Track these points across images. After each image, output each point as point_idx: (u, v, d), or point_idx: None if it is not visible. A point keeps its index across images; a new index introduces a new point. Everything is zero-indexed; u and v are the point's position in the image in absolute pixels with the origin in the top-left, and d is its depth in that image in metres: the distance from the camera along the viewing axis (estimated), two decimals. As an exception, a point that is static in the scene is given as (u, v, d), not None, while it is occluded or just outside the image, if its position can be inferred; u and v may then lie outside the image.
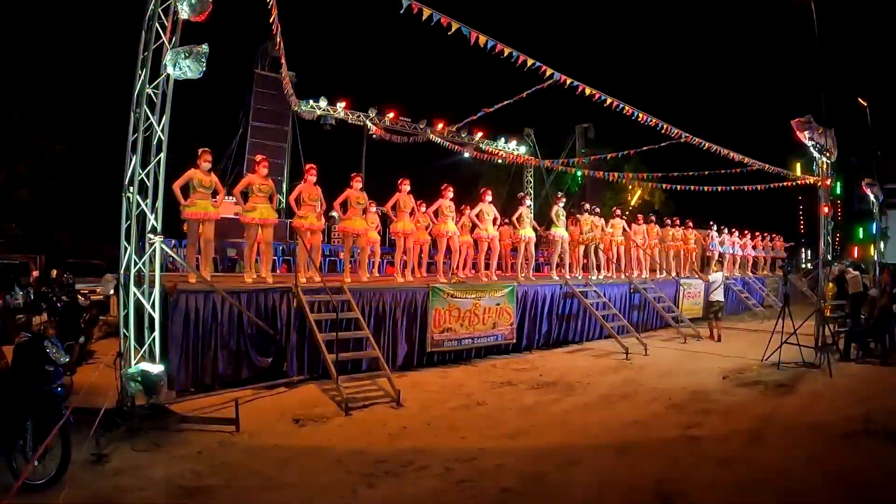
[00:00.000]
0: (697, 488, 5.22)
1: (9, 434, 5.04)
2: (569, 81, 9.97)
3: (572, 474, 5.57)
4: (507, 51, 8.89)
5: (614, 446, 6.39)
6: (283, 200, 16.70)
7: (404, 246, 11.69)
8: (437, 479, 5.39)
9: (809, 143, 11.72)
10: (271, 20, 9.57)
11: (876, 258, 20.36)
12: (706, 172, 18.22)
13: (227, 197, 10.40)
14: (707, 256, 20.49)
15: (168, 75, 6.91)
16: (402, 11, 7.71)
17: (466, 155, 23.86)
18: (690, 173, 18.76)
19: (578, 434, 6.90)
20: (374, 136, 21.03)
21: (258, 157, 10.09)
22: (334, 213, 11.24)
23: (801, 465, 5.81)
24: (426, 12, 7.87)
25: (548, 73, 9.60)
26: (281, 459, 5.89)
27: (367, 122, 20.94)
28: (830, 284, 14.17)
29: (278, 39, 10.49)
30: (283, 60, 12.17)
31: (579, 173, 27.96)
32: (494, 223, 12.82)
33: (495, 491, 5.14)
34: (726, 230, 21.29)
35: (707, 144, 13.27)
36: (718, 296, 14.88)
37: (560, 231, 13.92)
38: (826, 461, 5.96)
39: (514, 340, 11.93)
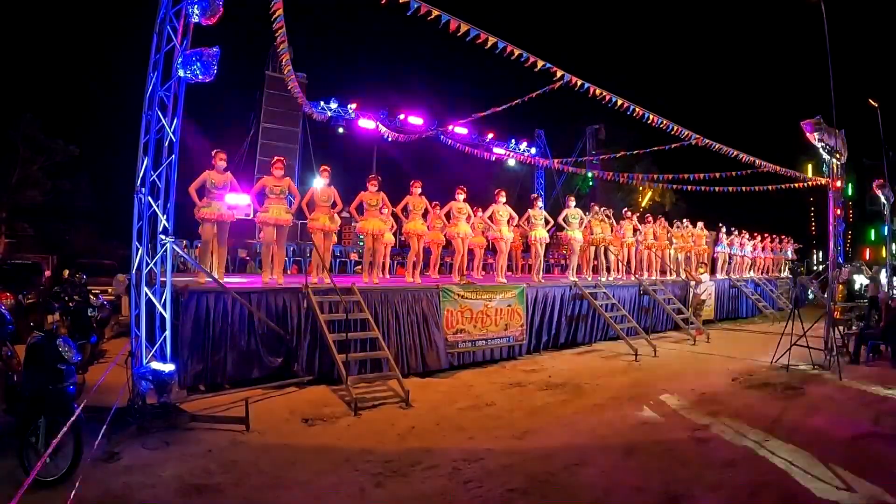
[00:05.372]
0: (704, 490, 5.21)
1: (21, 431, 5.10)
2: (579, 83, 9.97)
3: (580, 475, 5.58)
4: (517, 52, 8.90)
5: (622, 447, 6.39)
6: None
7: (417, 247, 11.71)
8: (444, 479, 5.41)
9: (819, 145, 11.68)
10: (276, 26, 9.60)
11: (888, 260, 20.25)
12: (717, 174, 18.19)
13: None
14: (713, 258, 20.48)
15: (179, 78, 6.97)
16: (410, 13, 7.73)
17: (478, 156, 23.88)
18: (701, 175, 18.74)
19: (586, 435, 6.91)
20: (385, 137, 21.11)
21: (273, 159, 10.15)
22: (346, 214, 11.28)
23: (807, 468, 5.79)
24: (435, 13, 7.89)
25: (558, 75, 9.60)
26: (290, 458, 5.93)
27: (378, 123, 21.00)
28: (840, 286, 14.13)
29: (281, 40, 10.51)
30: (290, 65, 12.20)
31: (590, 174, 27.93)
32: (509, 224, 12.82)
33: (502, 491, 5.15)
34: (735, 232, 21.24)
35: (717, 146, 13.24)
36: (703, 296, 15.41)
37: (573, 233, 13.92)
38: (834, 464, 5.94)
39: (525, 341, 11.93)
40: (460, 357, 10.77)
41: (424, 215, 11.82)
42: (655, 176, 22.38)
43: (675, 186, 22.09)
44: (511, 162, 26.55)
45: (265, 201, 9.68)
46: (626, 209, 17.79)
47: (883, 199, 16.67)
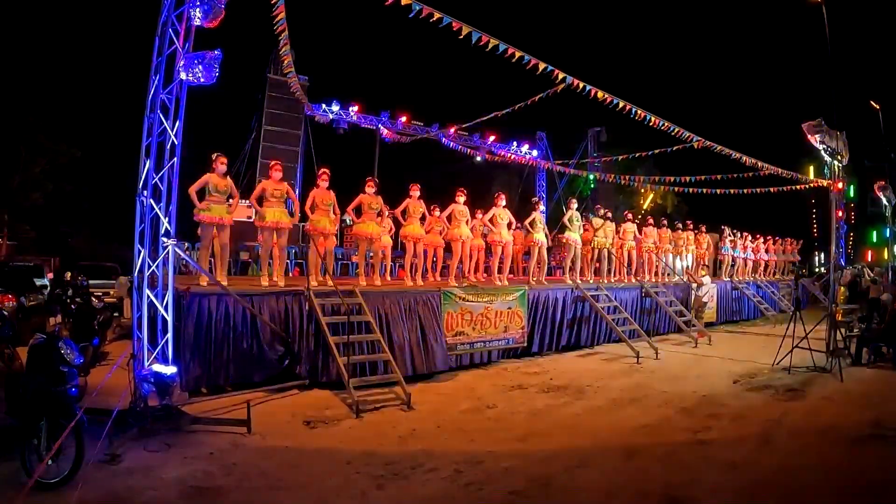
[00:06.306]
0: (705, 492, 5.21)
1: (24, 433, 5.11)
2: (581, 85, 9.99)
3: (581, 478, 5.59)
4: (518, 54, 8.92)
5: (623, 450, 6.39)
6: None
7: (414, 250, 11.68)
8: (445, 482, 5.42)
9: (821, 147, 11.69)
10: (278, 30, 9.62)
11: (890, 262, 20.25)
12: (719, 176, 18.21)
13: (241, 201, 10.45)
14: (719, 260, 20.46)
15: (181, 81, 6.98)
16: (412, 15, 7.75)
17: (479, 158, 23.88)
18: (703, 177, 18.75)
19: (587, 437, 6.91)
20: (386, 139, 21.11)
21: (272, 162, 10.15)
22: (346, 217, 11.25)
23: (809, 470, 5.79)
24: (437, 15, 7.90)
25: (560, 77, 9.62)
26: (291, 460, 5.94)
27: (380, 125, 21.02)
28: (842, 288, 14.12)
29: (284, 44, 10.51)
30: (292, 67, 12.24)
31: (591, 177, 27.91)
32: (509, 227, 12.79)
33: (503, 493, 5.16)
34: (738, 234, 21.22)
35: (719, 148, 13.25)
36: (705, 298, 15.65)
37: (573, 235, 13.91)
38: (835, 466, 5.94)
39: (525, 344, 11.95)
40: (458, 359, 10.79)
41: (423, 219, 11.81)
42: (657, 178, 22.39)
43: (676, 189, 22.12)
44: (512, 164, 26.54)
45: (265, 204, 9.65)
46: (627, 211, 17.78)
47: (885, 200, 16.70)
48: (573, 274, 14.18)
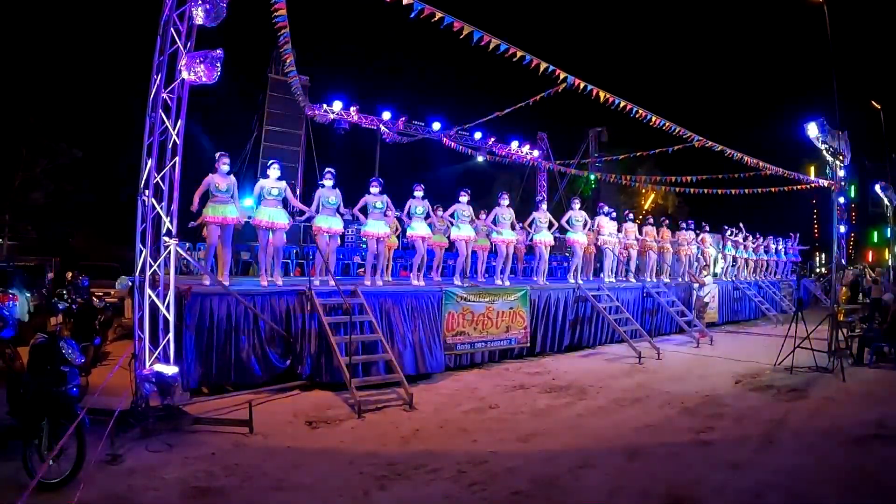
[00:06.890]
0: (708, 493, 5.20)
1: (25, 434, 5.10)
2: (582, 85, 9.98)
3: (584, 478, 5.57)
4: (520, 54, 8.90)
5: (626, 450, 6.37)
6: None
7: (422, 250, 11.65)
8: (448, 482, 5.40)
9: (822, 147, 11.68)
10: (278, 26, 9.61)
11: (890, 262, 20.24)
12: (720, 176, 18.19)
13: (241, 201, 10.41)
14: (717, 261, 20.42)
15: (183, 80, 6.97)
16: (413, 15, 7.74)
17: (480, 159, 23.86)
18: (704, 177, 18.73)
19: (590, 438, 6.89)
20: (386, 139, 21.07)
21: (269, 162, 10.14)
22: (349, 217, 11.19)
23: (812, 470, 5.78)
24: (438, 15, 7.89)
25: (561, 77, 9.60)
26: (294, 461, 5.92)
27: (380, 125, 20.99)
28: (844, 289, 14.11)
29: (285, 41, 10.49)
30: (293, 66, 12.23)
31: (593, 177, 27.90)
32: (512, 227, 12.77)
33: (506, 494, 5.14)
34: (739, 234, 21.19)
35: (720, 148, 13.23)
36: (707, 298, 15.79)
37: (576, 236, 13.88)
38: (837, 466, 5.93)
39: (528, 344, 11.92)
40: (459, 359, 10.76)
41: (426, 218, 11.78)
42: (658, 178, 22.38)
43: (677, 189, 22.11)
44: (513, 164, 26.57)
45: (262, 203, 9.63)
46: (628, 211, 17.75)
47: (886, 200, 16.68)
48: (575, 274, 14.16)
